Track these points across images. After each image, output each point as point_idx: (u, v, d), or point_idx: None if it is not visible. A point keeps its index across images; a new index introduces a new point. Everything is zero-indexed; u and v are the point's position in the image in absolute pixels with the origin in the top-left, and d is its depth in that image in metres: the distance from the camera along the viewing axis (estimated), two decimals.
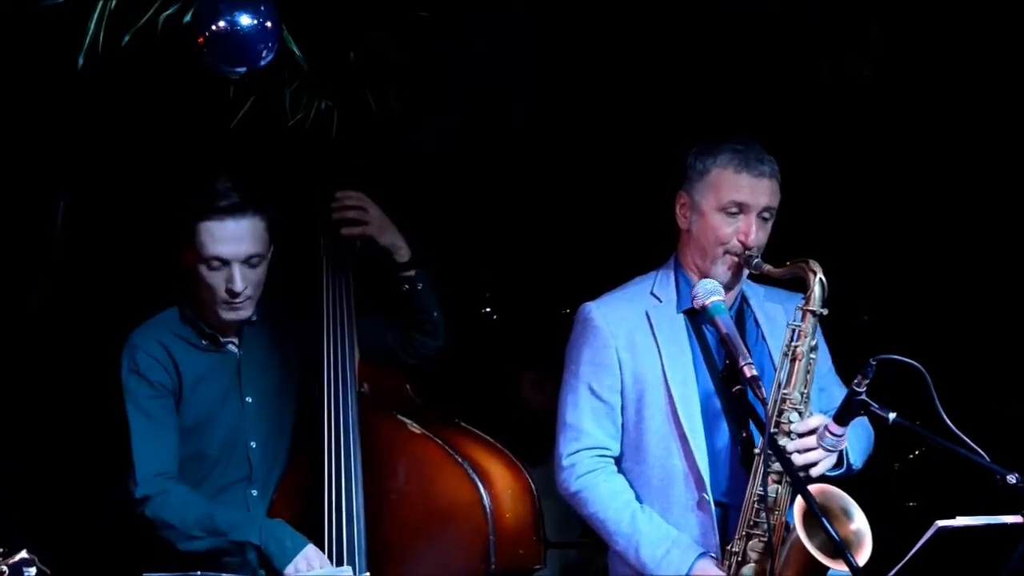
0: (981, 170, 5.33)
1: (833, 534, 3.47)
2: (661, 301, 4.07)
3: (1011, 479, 3.46)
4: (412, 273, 4.25)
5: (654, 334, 4.02)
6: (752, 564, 3.83)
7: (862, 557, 3.61)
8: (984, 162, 5.33)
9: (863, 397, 3.63)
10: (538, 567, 4.11)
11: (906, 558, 3.46)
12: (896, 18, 5.18)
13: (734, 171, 3.97)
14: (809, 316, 3.90)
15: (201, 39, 3.81)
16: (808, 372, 3.90)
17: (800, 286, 3.95)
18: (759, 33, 5.17)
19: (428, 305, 4.27)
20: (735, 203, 3.96)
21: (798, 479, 3.66)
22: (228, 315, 4.12)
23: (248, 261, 4.06)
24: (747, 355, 3.70)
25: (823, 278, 3.89)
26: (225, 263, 4.05)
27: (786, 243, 4.03)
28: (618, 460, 4.06)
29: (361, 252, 4.32)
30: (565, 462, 4.05)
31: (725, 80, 5.23)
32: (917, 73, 5.26)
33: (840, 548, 3.46)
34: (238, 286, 4.06)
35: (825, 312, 3.91)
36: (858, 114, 5.34)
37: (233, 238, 4.04)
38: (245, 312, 4.13)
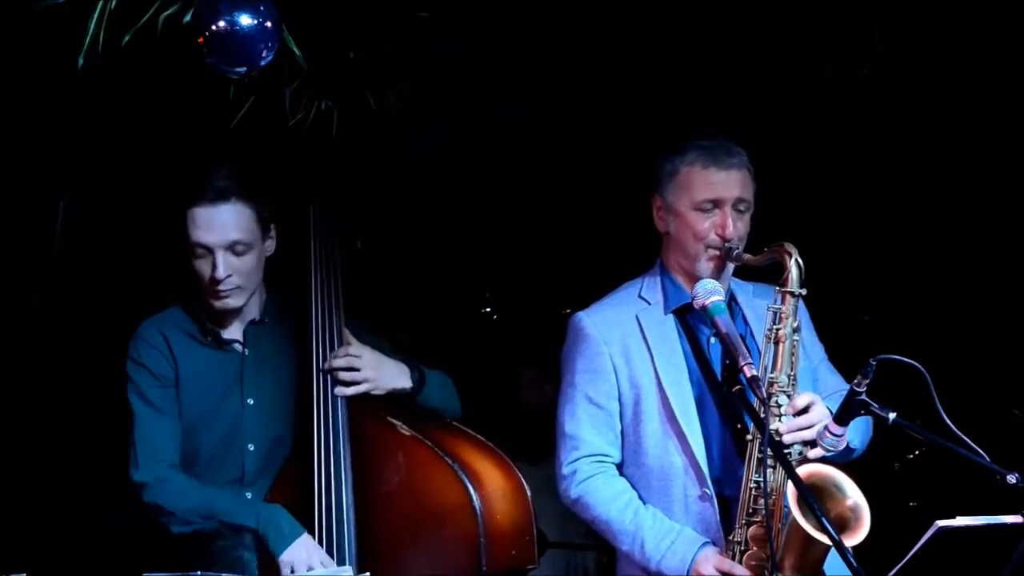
0: (982, 170, 5.33)
1: (822, 519, 3.47)
2: (650, 304, 4.10)
3: (1011, 479, 3.46)
4: (419, 396, 4.23)
5: (645, 337, 4.05)
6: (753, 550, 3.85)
7: (862, 530, 3.63)
8: (986, 162, 5.32)
9: (863, 397, 3.63)
10: (532, 567, 4.11)
11: (906, 558, 3.45)
12: (897, 18, 5.17)
13: (702, 167, 4.01)
14: (788, 297, 3.93)
15: (201, 39, 3.80)
16: (793, 354, 3.92)
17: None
18: (759, 34, 5.17)
19: (439, 411, 4.25)
20: (708, 200, 3.99)
21: (789, 465, 3.65)
22: (217, 304, 4.09)
23: (232, 248, 4.04)
24: (747, 355, 3.70)
25: (799, 259, 3.93)
26: (209, 250, 4.04)
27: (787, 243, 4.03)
28: (619, 467, 4.08)
29: (360, 253, 4.32)
30: (565, 470, 4.07)
31: (726, 81, 5.23)
32: (918, 73, 5.26)
33: (828, 531, 3.45)
34: (220, 272, 4.03)
35: (804, 292, 3.94)
36: (859, 114, 5.34)
37: (216, 224, 4.02)
38: (234, 301, 4.10)
